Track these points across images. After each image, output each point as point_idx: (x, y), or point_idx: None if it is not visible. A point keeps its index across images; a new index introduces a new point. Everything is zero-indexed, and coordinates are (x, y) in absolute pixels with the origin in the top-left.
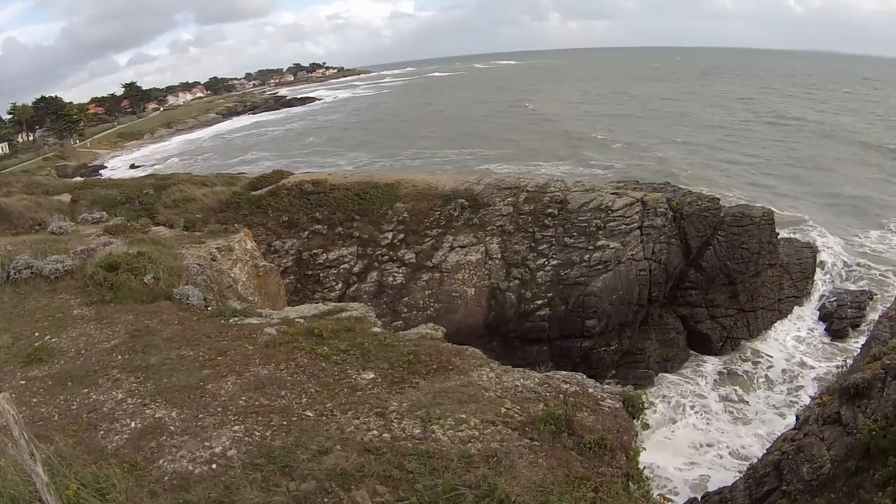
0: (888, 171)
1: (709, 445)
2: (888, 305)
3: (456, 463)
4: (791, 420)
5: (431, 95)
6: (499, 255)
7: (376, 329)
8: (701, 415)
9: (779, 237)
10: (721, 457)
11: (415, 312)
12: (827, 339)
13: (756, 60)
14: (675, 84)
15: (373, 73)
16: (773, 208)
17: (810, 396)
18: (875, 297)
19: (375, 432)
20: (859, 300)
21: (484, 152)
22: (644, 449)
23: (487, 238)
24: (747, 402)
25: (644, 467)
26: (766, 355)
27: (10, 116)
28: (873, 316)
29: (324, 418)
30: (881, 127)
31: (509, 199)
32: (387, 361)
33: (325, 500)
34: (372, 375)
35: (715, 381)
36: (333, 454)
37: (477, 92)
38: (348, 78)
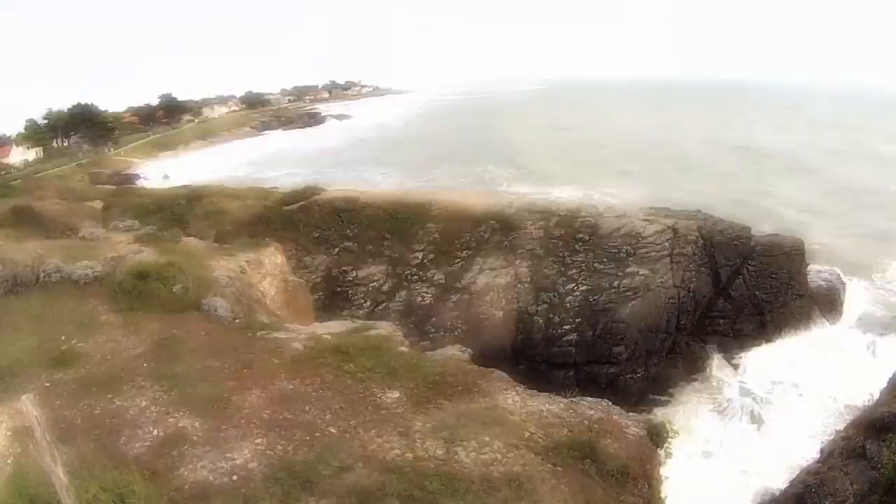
0: None
1: (743, 471)
2: None
3: (478, 485)
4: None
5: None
6: (528, 279)
7: (403, 348)
8: (724, 447)
9: (808, 267)
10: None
11: (442, 333)
12: (851, 365)
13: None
14: None
15: (410, 92)
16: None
17: (836, 430)
18: None
19: (398, 451)
20: (888, 331)
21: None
22: (667, 478)
23: (517, 261)
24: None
25: (666, 496)
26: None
27: (46, 122)
28: None
29: (347, 435)
30: None
31: (540, 222)
32: (412, 381)
33: None
34: (397, 395)
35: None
36: (355, 471)
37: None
38: (385, 96)
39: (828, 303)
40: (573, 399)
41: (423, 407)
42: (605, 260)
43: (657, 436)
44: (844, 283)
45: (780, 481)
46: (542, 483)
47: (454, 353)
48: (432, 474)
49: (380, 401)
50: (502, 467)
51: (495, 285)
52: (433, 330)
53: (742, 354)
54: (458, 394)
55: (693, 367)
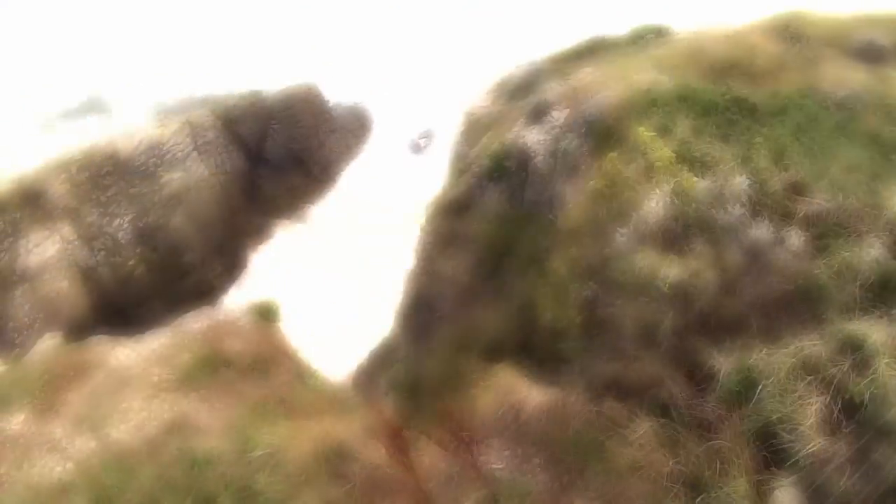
0: None
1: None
2: (456, 121)
3: (147, 452)
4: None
5: None
6: (75, 236)
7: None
8: None
9: (330, 103)
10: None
11: (26, 333)
12: (409, 170)
13: None
14: None
15: None
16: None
17: (418, 227)
18: (442, 119)
19: (59, 469)
20: (428, 128)
21: None
22: (298, 344)
23: (58, 225)
24: None
25: (307, 359)
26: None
27: None
28: (448, 136)
29: (5, 485)
30: None
31: (63, 175)
32: (27, 394)
33: None
34: (22, 416)
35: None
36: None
37: None
38: None
39: (360, 127)
40: (175, 323)
41: (52, 412)
42: (137, 182)
43: (267, 313)
44: (368, 104)
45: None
46: (198, 413)
47: (48, 344)
48: (103, 468)
49: (10, 431)
50: (155, 421)
51: (48, 259)
52: (16, 335)
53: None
54: (74, 379)
55: (268, 234)
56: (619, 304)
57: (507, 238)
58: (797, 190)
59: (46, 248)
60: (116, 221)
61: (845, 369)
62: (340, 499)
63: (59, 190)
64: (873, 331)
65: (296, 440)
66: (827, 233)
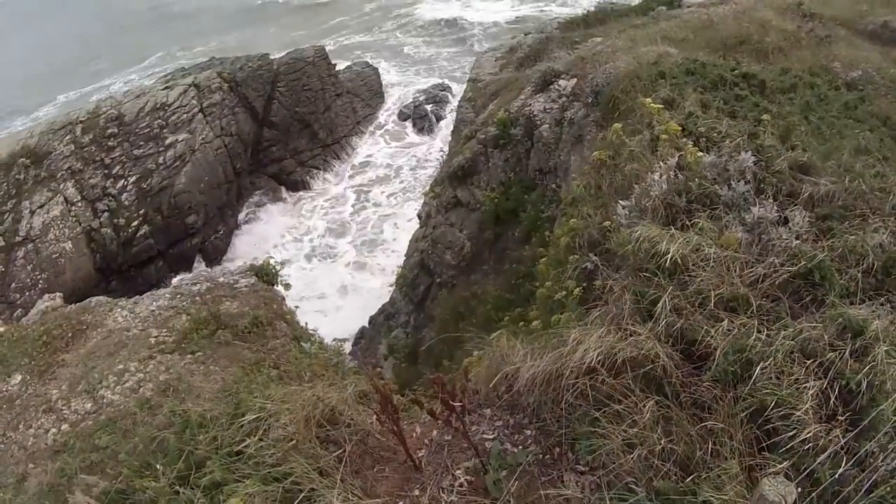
0: None
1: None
2: (463, 88)
3: (141, 414)
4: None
5: None
6: (79, 198)
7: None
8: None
9: (336, 67)
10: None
11: (28, 293)
12: (416, 138)
13: None
14: None
15: None
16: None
17: (423, 193)
18: (449, 86)
19: (54, 430)
20: (435, 94)
21: None
22: (297, 307)
23: (61, 185)
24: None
25: (305, 323)
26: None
27: None
28: (455, 102)
29: (1, 446)
30: None
31: (67, 137)
32: (26, 356)
33: None
34: (20, 377)
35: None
36: (32, 476)
37: None
38: None
39: (367, 90)
40: (174, 285)
41: (50, 373)
42: (141, 143)
43: (266, 275)
44: (376, 68)
45: (398, 257)
46: (193, 376)
47: (48, 304)
48: (98, 430)
49: (8, 393)
50: (150, 383)
51: (52, 220)
52: (18, 295)
53: (306, 169)
54: (72, 340)
55: (270, 200)
56: (619, 278)
57: (510, 206)
58: (803, 170)
59: (50, 210)
60: (120, 183)
61: (844, 355)
62: (331, 464)
63: (63, 151)
64: (875, 317)
65: (288, 404)
66: (832, 215)
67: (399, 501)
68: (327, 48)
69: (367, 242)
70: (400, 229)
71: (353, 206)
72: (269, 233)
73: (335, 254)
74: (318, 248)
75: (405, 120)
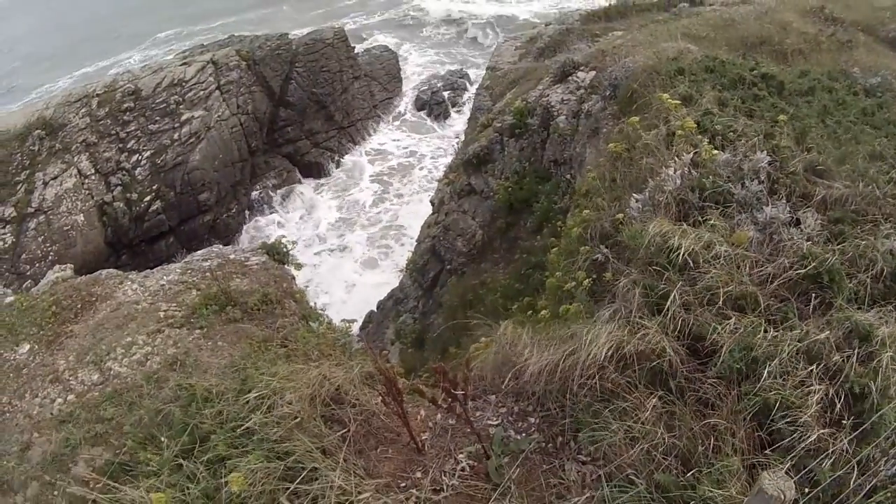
0: None
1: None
2: (481, 76)
3: (147, 387)
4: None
5: None
6: (92, 171)
7: (8, 299)
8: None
9: (356, 50)
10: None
11: (38, 265)
12: (433, 125)
13: None
14: None
15: None
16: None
17: (436, 180)
18: (466, 74)
19: (60, 400)
20: (453, 81)
21: None
22: (307, 287)
23: (75, 158)
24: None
25: (314, 303)
26: (376, 154)
27: None
28: (472, 90)
29: (6, 414)
30: None
31: (83, 110)
32: (34, 325)
33: (57, 495)
34: (27, 346)
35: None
36: (36, 444)
37: None
38: None
39: (385, 74)
40: (185, 260)
41: (57, 344)
42: (157, 119)
43: (277, 254)
44: (395, 52)
45: (411, 246)
46: (200, 351)
47: (58, 276)
48: (103, 402)
49: (15, 361)
50: (158, 357)
51: (65, 192)
52: (28, 266)
53: (321, 150)
54: (81, 311)
55: (281, 182)
56: (629, 271)
57: (523, 195)
58: (817, 172)
59: (63, 182)
60: (135, 157)
61: (850, 359)
62: (334, 443)
63: (78, 124)
64: (882, 323)
65: (294, 382)
66: (843, 218)
67: (401, 483)
68: (346, 28)
69: (379, 225)
70: (411, 214)
71: (364, 185)
72: (281, 210)
73: (347, 235)
74: (329, 228)
75: (422, 107)
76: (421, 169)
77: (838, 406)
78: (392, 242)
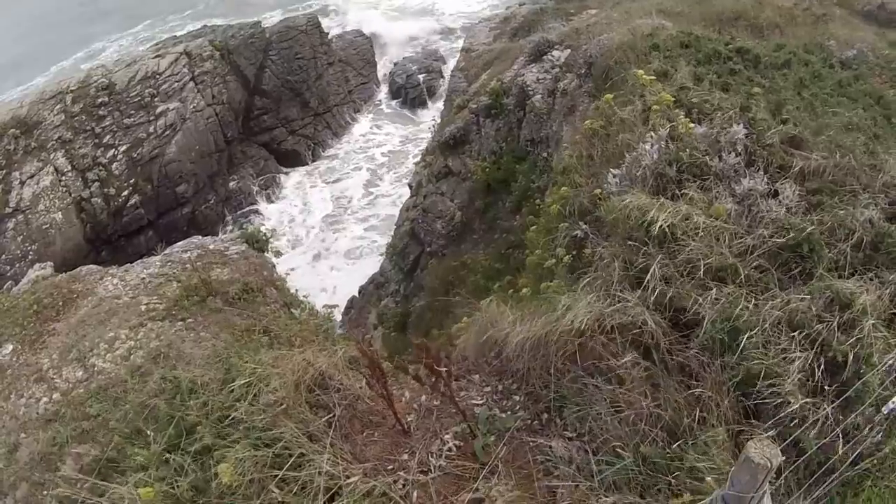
0: None
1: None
2: (456, 59)
3: (132, 381)
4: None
5: None
6: (69, 167)
7: None
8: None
9: (329, 36)
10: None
11: (18, 265)
12: (407, 111)
13: None
14: None
15: None
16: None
17: (414, 163)
18: (442, 57)
19: (45, 399)
20: (429, 64)
21: None
22: (288, 274)
23: (51, 156)
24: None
25: (296, 290)
26: (355, 144)
27: None
28: (448, 71)
29: None
30: None
31: (57, 106)
32: (16, 325)
33: (46, 495)
34: (10, 347)
35: (317, 185)
36: (24, 445)
37: None
38: None
39: (359, 59)
40: (165, 253)
41: (40, 342)
42: (132, 112)
43: (256, 242)
44: (369, 38)
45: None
46: (184, 342)
47: (38, 274)
48: (90, 399)
49: None
50: (141, 350)
51: (42, 190)
52: (8, 267)
53: (297, 138)
54: (62, 309)
55: (258, 171)
56: (608, 245)
57: (501, 175)
58: (794, 144)
59: (40, 180)
60: (111, 152)
61: (831, 327)
62: (320, 428)
63: (53, 121)
64: (863, 291)
65: (278, 369)
66: (822, 189)
67: (388, 465)
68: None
69: (358, 209)
70: (390, 197)
71: (342, 171)
72: (259, 199)
73: (326, 220)
74: (307, 215)
75: (397, 93)
76: (399, 156)
77: (818, 374)
78: (374, 234)
